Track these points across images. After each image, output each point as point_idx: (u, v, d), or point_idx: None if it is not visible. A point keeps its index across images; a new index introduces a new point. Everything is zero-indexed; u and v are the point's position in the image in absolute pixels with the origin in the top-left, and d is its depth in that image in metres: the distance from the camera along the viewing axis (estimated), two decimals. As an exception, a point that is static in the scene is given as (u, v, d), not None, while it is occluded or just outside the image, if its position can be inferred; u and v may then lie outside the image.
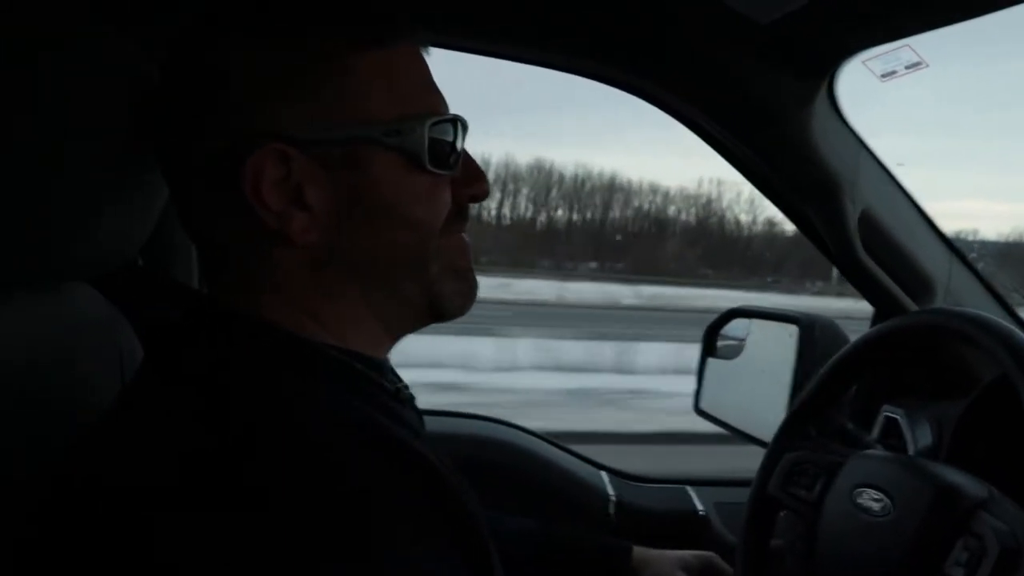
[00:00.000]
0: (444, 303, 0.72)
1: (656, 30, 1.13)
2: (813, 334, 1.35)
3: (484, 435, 1.61)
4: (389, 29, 0.67)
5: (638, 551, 1.08)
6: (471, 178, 0.72)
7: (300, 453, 0.55)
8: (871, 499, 0.94)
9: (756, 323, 1.51)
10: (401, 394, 0.73)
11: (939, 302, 1.34)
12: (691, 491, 1.64)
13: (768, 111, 1.17)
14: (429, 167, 0.66)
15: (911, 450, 1.10)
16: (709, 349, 1.56)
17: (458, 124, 0.70)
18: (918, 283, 1.32)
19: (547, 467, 1.60)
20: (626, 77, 1.24)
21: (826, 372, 1.13)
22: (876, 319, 1.41)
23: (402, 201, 0.66)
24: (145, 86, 0.70)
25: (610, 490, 1.60)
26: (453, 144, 0.69)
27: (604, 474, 1.65)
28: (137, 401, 0.63)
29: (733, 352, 1.54)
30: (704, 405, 1.55)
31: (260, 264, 0.66)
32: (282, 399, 0.59)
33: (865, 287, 1.33)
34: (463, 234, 0.74)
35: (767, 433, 1.33)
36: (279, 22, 0.64)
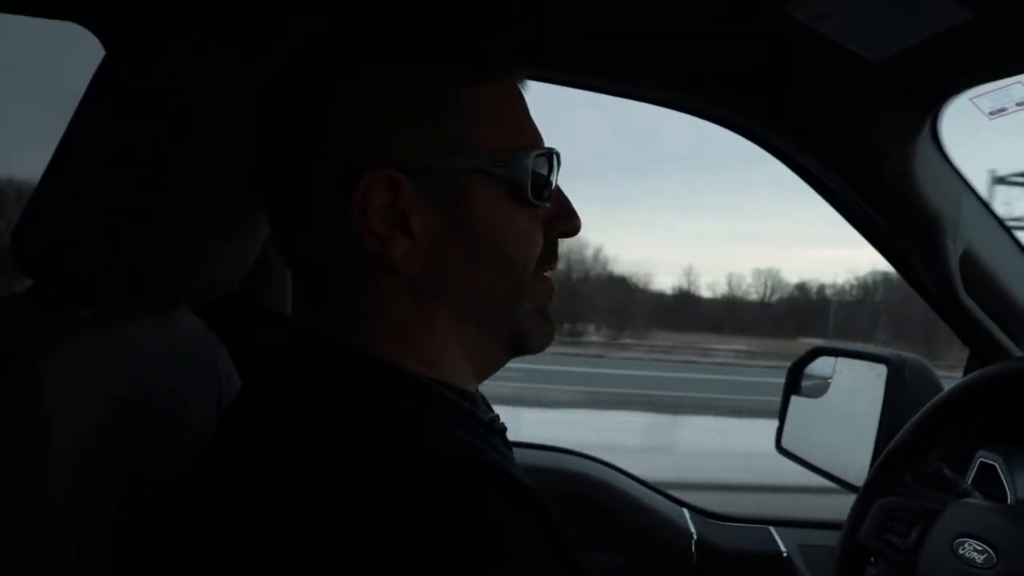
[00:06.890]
0: (528, 343, 0.72)
1: (764, 68, 1.12)
2: (903, 375, 1.32)
3: (568, 469, 1.60)
4: (498, 65, 0.68)
5: None
6: (563, 213, 0.72)
7: (432, 490, 0.53)
8: (973, 550, 0.91)
9: (842, 362, 1.48)
10: (495, 425, 0.72)
11: (1044, 347, 1.29)
12: (774, 532, 1.60)
13: (872, 148, 1.15)
14: (531, 199, 0.67)
15: (1010, 498, 1.07)
16: (793, 387, 1.53)
17: (554, 157, 0.70)
18: (1022, 327, 1.28)
19: (629, 502, 1.58)
20: (728, 114, 1.23)
21: (924, 416, 1.11)
22: (972, 361, 1.37)
23: (502, 232, 0.67)
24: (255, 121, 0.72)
25: (692, 528, 1.57)
26: (548, 178, 0.69)
27: (686, 511, 1.62)
28: (246, 429, 0.63)
29: (818, 391, 1.51)
30: (786, 443, 1.52)
31: (361, 292, 0.66)
32: (407, 432, 0.58)
33: (965, 330, 1.29)
34: (551, 277, 0.74)
35: (852, 475, 1.31)
36: (397, 54, 0.66)
